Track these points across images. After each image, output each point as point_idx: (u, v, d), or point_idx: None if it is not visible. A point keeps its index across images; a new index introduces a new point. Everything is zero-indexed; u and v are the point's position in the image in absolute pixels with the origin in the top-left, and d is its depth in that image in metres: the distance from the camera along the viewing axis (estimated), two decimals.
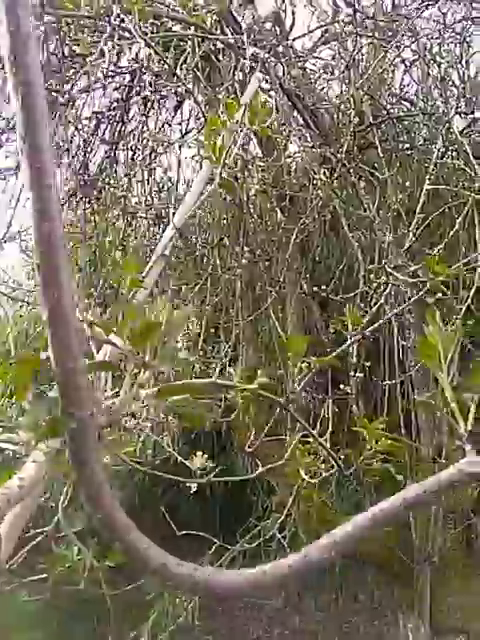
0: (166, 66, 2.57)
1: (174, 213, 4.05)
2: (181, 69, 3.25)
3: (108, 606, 5.12)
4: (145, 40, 1.84)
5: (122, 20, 1.89)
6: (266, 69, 3.27)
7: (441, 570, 2.99)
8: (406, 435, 3.37)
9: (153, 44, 3.25)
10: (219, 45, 3.55)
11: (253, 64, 3.48)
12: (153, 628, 4.17)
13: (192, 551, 3.26)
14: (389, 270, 2.65)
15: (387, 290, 2.47)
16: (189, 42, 2.95)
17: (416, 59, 4.16)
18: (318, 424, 3.13)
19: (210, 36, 2.77)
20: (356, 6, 3.76)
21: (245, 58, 3.38)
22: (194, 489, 2.04)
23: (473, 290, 2.00)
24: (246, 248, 3.36)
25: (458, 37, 4.12)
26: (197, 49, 2.82)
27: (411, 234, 2.08)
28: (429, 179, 2.33)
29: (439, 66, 4.09)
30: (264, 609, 5.43)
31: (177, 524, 5.19)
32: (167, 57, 3.26)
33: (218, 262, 3.28)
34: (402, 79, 4.57)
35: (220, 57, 3.71)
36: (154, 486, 5.47)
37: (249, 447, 3.12)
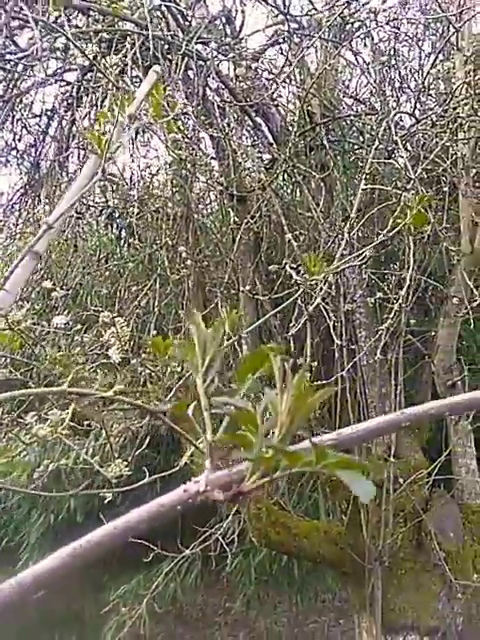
0: (98, 61, 2.51)
1: (123, 210, 3.94)
2: (133, 68, 3.20)
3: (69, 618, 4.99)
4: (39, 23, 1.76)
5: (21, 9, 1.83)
6: (212, 67, 3.24)
7: (393, 569, 2.99)
8: None
9: (92, 39, 3.18)
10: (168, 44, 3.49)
11: (200, 62, 3.46)
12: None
13: (156, 555, 3.20)
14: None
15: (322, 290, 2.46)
16: (129, 39, 2.90)
17: (372, 62, 4.18)
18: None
19: (141, 32, 2.72)
20: (309, 7, 3.77)
21: (191, 57, 3.35)
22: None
23: (404, 289, 1.98)
24: (194, 249, 3.31)
25: (412, 40, 4.17)
26: (136, 46, 2.77)
27: (346, 233, 2.05)
28: (366, 178, 2.32)
29: (393, 68, 4.13)
30: (228, 613, 5.39)
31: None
32: (111, 55, 3.21)
33: (167, 263, 3.22)
34: (357, 82, 4.61)
35: (171, 56, 3.65)
36: (117, 487, 5.38)
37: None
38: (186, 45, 3.14)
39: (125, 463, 1.86)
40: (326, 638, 4.94)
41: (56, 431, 2.12)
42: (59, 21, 2.72)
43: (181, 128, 3.11)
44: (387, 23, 3.90)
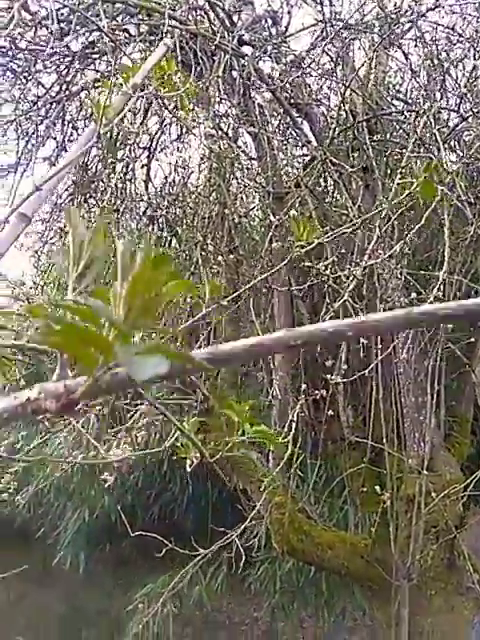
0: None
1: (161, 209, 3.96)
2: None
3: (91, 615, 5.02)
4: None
5: None
6: (252, 65, 3.21)
7: (422, 589, 2.82)
8: (394, 445, 3.23)
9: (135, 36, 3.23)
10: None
11: (243, 60, 3.45)
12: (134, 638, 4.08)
13: (184, 555, 3.16)
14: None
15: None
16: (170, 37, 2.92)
17: (423, 62, 4.06)
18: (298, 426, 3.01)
19: (182, 26, 2.73)
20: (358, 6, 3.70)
21: (236, 55, 3.35)
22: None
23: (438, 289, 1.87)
24: (228, 247, 3.28)
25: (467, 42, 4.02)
26: (176, 43, 2.78)
27: (378, 228, 1.96)
28: (400, 173, 2.22)
29: (442, 68, 3.98)
30: (256, 623, 5.28)
31: (170, 526, 5.10)
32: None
33: (200, 260, 3.21)
34: (408, 82, 4.48)
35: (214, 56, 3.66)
36: (148, 489, 5.40)
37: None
38: (230, 43, 3.14)
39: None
40: None
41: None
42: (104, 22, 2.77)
43: (219, 125, 3.10)
44: (438, 24, 3.77)
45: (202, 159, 3.19)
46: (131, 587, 5.30)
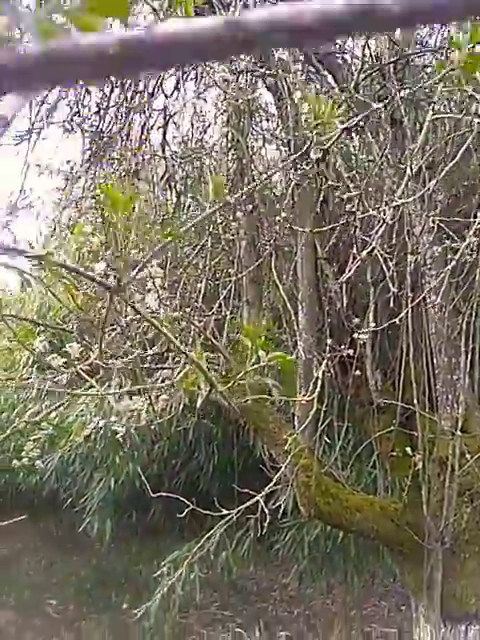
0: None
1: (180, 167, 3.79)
2: None
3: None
4: None
5: None
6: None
7: (455, 552, 2.73)
8: (425, 408, 3.11)
9: None
10: None
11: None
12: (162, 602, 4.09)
13: (210, 523, 3.13)
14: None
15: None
16: None
17: None
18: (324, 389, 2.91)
19: None
20: None
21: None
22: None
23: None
24: (249, 205, 3.15)
25: None
26: None
27: (409, 168, 1.81)
28: (432, 110, 2.05)
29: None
30: (284, 589, 5.29)
31: (196, 494, 5.08)
32: None
33: (219, 221, 3.08)
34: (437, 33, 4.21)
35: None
36: (174, 458, 5.40)
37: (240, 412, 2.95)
38: None
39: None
40: (385, 624, 4.72)
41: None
42: None
43: (235, 71, 2.93)
44: None
45: (218, 111, 3.03)
46: (158, 554, 5.35)
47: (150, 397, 3.35)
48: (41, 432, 3.61)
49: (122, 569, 5.45)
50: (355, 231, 2.05)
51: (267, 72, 3.37)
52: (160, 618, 4.18)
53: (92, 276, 1.01)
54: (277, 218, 3.37)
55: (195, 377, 0.99)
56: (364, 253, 1.88)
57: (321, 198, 3.41)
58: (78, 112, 4.51)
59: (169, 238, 1.42)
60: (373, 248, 1.81)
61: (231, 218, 3.07)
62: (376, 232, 1.79)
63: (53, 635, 4.45)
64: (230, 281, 3.13)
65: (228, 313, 2.95)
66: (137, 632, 4.18)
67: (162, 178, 4.53)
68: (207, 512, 2.53)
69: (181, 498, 2.74)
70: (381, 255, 1.89)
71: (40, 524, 6.81)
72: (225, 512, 2.49)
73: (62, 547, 6.17)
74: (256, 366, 0.92)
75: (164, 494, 3.43)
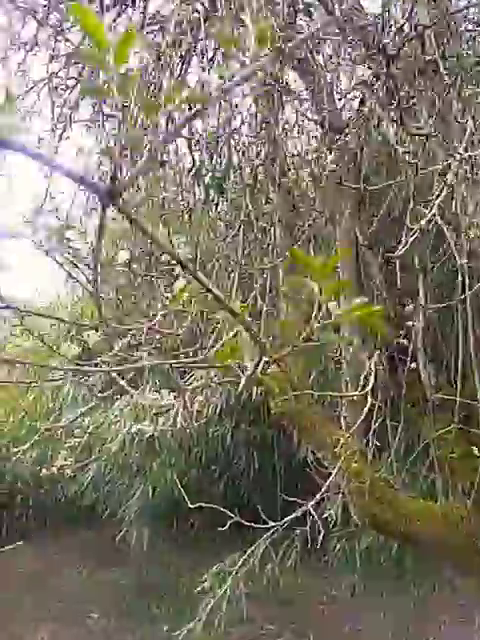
0: None
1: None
2: None
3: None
4: None
5: None
6: None
7: None
8: None
9: None
10: None
11: None
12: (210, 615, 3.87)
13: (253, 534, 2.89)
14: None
15: None
16: None
17: None
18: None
19: None
20: None
21: None
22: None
23: None
24: (282, 190, 2.92)
25: None
26: None
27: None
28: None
29: None
30: (334, 601, 5.00)
31: (237, 502, 4.86)
32: None
33: (251, 207, 2.86)
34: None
35: None
36: (212, 464, 5.20)
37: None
38: None
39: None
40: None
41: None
42: None
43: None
44: None
45: (247, 95, 2.82)
46: (200, 564, 5.15)
47: (184, 398, 3.15)
48: (73, 439, 3.48)
49: (164, 581, 5.26)
50: (406, 206, 1.80)
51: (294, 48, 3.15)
52: (203, 634, 3.96)
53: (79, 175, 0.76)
54: (313, 202, 3.13)
55: (235, 348, 0.76)
56: (423, 222, 1.62)
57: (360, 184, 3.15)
58: (101, 109, 4.39)
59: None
60: (433, 216, 1.55)
61: (264, 203, 2.85)
62: (436, 197, 1.53)
63: None
64: (264, 271, 2.90)
65: (263, 306, 2.72)
66: None
67: (190, 171, 4.36)
68: (250, 524, 2.29)
69: (222, 509, 2.50)
70: (441, 225, 1.63)
71: (80, 534, 6.72)
72: (271, 524, 2.25)
73: (102, 558, 6.04)
74: (327, 322, 0.68)
75: (204, 505, 3.25)
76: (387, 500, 2.43)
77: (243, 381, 0.78)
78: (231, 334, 0.93)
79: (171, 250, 0.72)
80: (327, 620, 4.73)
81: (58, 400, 5.30)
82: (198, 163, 4.16)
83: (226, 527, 2.67)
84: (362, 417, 2.45)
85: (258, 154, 2.99)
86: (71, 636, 4.58)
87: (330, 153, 3.11)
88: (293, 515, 2.26)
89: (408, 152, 2.10)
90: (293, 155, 3.14)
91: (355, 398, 2.58)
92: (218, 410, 4.81)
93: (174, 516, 5.18)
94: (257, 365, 1.05)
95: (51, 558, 6.40)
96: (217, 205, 4.23)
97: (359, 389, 2.41)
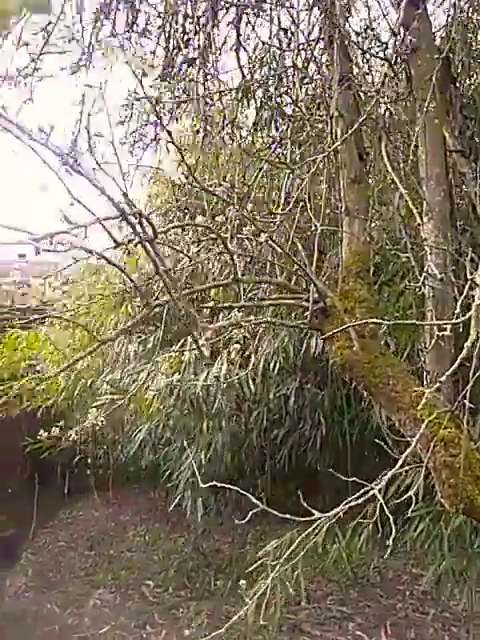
0: None
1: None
2: None
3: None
4: None
5: None
6: None
7: None
8: None
9: None
10: None
11: None
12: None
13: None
14: None
15: None
16: None
17: None
18: None
19: None
20: None
21: None
22: None
23: None
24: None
25: None
26: None
27: None
28: None
29: None
30: (416, 582, 4.41)
31: (301, 472, 4.34)
32: None
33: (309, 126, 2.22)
34: None
35: None
36: (275, 428, 4.71)
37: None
38: None
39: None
40: None
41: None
42: None
43: None
44: None
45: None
46: (264, 536, 4.74)
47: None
48: (104, 397, 3.13)
49: (226, 551, 4.91)
50: None
51: None
52: (265, 613, 3.53)
53: None
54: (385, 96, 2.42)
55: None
56: None
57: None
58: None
59: None
60: None
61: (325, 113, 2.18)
62: None
63: (148, 620, 4.01)
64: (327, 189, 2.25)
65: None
66: (238, 628, 3.57)
67: (237, 90, 3.72)
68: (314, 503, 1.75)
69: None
70: None
71: (147, 496, 6.53)
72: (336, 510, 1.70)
73: (166, 523, 5.80)
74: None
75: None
76: None
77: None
78: None
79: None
80: (406, 604, 4.16)
81: (111, 359, 4.99)
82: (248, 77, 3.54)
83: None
84: (452, 368, 1.80)
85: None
86: (124, 606, 4.34)
87: (406, 30, 2.38)
88: (352, 499, 1.69)
89: None
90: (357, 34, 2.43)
91: (442, 342, 1.93)
92: (280, 368, 4.28)
93: (234, 483, 4.77)
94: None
95: (118, 519, 6.27)
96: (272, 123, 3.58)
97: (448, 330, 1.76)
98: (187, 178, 2.88)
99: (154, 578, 4.63)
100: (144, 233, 1.44)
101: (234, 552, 4.80)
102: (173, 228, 2.39)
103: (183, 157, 2.30)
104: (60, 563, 5.14)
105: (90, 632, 3.84)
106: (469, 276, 2.05)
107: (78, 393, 5.09)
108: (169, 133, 3.03)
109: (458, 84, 2.92)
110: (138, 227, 1.51)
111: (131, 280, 1.56)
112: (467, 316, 1.41)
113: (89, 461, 6.04)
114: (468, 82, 3.13)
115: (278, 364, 3.97)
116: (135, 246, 1.44)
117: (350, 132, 2.02)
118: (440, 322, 1.73)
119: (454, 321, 1.48)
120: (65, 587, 4.60)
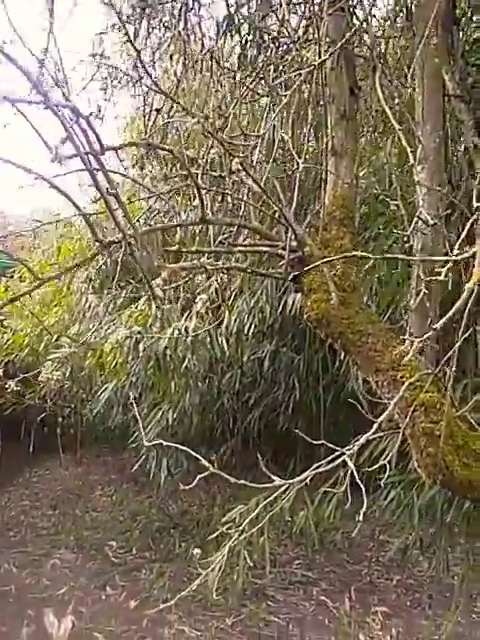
0: None
1: None
2: None
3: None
4: None
5: None
6: None
7: None
8: None
9: None
10: None
11: None
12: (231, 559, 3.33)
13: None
14: None
15: None
16: None
17: None
18: None
19: None
20: None
21: None
22: None
23: None
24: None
25: None
26: None
27: None
28: None
29: None
30: (383, 548, 4.38)
31: (273, 436, 4.21)
32: None
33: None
34: None
35: None
36: (248, 391, 4.57)
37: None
38: None
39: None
40: None
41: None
42: None
43: None
44: None
45: None
46: (233, 498, 4.65)
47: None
48: (60, 350, 2.93)
49: (194, 513, 4.81)
50: None
51: None
52: (229, 577, 3.45)
53: None
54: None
55: None
56: None
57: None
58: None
59: None
60: None
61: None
62: None
63: (108, 581, 3.91)
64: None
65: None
66: (200, 591, 3.48)
67: (223, 21, 3.40)
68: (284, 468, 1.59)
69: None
70: None
71: (117, 456, 6.40)
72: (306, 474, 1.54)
73: (134, 483, 5.68)
74: None
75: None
76: (472, 450, 1.64)
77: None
78: None
79: None
80: (372, 570, 4.13)
81: (78, 316, 4.75)
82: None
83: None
84: (435, 327, 1.61)
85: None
86: (85, 566, 4.22)
87: None
88: (319, 465, 1.53)
89: None
90: None
91: (427, 301, 1.75)
92: (256, 330, 4.10)
93: (205, 444, 4.64)
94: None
95: (86, 479, 6.14)
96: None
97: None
98: (158, 112, 2.60)
99: (118, 539, 4.52)
100: (90, 148, 1.20)
101: (202, 514, 4.71)
102: (128, 146, 2.13)
103: (159, 86, 2.03)
104: (22, 522, 5.00)
105: (48, 593, 3.73)
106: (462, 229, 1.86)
107: (43, 348, 4.86)
108: (144, 66, 2.73)
109: (461, 33, 2.68)
110: (86, 143, 1.27)
111: (77, 208, 1.33)
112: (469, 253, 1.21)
113: (57, 420, 5.87)
114: (473, 26, 2.87)
115: (254, 326, 3.78)
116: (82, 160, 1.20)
117: (336, 49, 1.77)
118: (433, 258, 1.54)
119: (449, 261, 1.29)
120: (25, 547, 4.46)
